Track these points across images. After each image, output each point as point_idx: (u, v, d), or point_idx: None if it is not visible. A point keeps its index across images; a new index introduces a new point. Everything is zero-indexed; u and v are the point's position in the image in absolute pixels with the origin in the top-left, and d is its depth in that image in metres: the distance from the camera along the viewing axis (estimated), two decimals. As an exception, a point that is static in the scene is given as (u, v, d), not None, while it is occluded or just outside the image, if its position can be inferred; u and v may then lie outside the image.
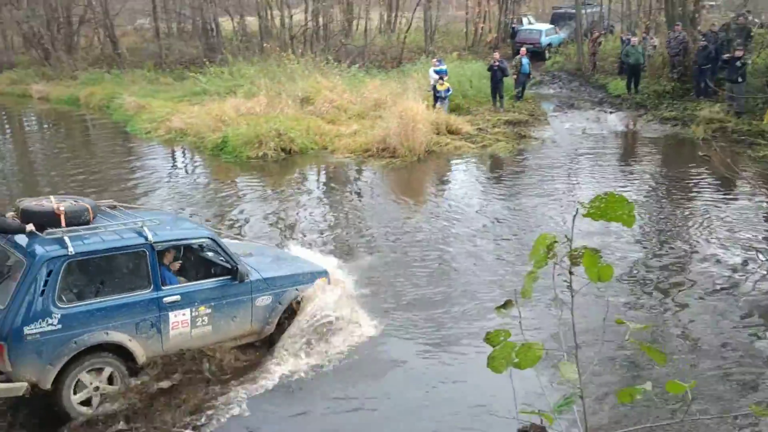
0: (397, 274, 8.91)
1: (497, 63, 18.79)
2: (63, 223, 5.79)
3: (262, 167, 14.69)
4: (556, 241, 1.57)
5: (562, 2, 34.79)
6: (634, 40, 20.71)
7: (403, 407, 6.11)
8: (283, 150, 15.34)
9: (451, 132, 16.71)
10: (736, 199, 11.55)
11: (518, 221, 10.91)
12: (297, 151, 15.49)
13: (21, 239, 5.81)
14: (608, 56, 24.30)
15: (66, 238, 5.64)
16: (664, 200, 11.87)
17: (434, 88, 18.15)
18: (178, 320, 6.16)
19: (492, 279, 8.75)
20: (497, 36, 31.04)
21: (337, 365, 6.60)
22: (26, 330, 5.42)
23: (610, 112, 19.46)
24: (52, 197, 6.13)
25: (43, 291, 5.47)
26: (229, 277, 6.48)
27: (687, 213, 11.07)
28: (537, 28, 29.24)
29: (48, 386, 5.58)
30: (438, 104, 17.93)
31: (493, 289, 8.32)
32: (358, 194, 13.11)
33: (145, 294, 6.00)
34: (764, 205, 11.03)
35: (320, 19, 28.19)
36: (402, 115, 15.39)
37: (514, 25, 30.18)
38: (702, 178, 12.95)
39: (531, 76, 21.49)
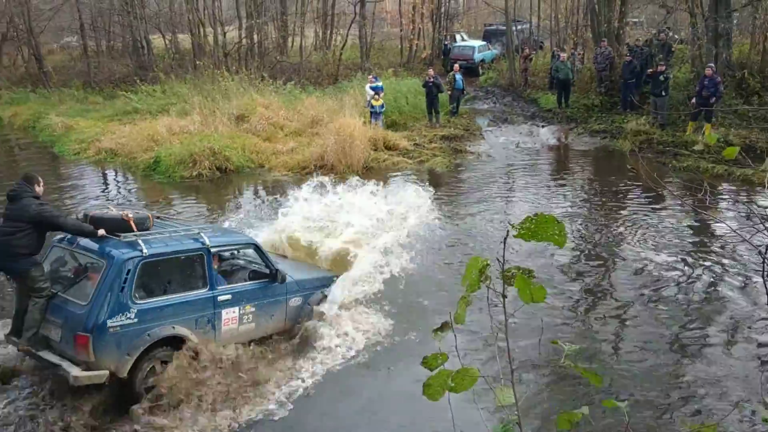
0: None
1: (432, 79, 19.02)
2: (135, 228, 6.44)
3: (197, 187, 14.40)
4: (488, 264, 1.55)
5: (494, 19, 35.61)
6: (563, 55, 21.36)
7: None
8: (218, 169, 15.08)
9: (388, 148, 16.80)
10: (664, 209, 11.96)
11: (457, 236, 10.97)
12: (233, 170, 15.27)
13: (91, 243, 6.44)
14: (539, 72, 24.99)
15: (140, 242, 6.31)
16: (596, 212, 12.19)
17: (370, 103, 18.25)
18: (229, 317, 6.85)
19: (437, 289, 8.75)
20: (432, 53, 31.50)
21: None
22: (109, 323, 5.98)
23: (542, 126, 19.95)
24: (111, 206, 6.99)
25: (122, 288, 6.07)
26: (267, 279, 7.21)
27: (618, 224, 11.38)
28: (470, 44, 29.85)
29: (125, 374, 6.13)
30: (373, 120, 18.05)
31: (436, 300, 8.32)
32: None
33: (203, 293, 6.67)
34: (687, 214, 11.43)
35: (255, 36, 27.99)
36: (339, 132, 15.38)
37: (446, 42, 30.69)
38: (631, 190, 13.38)
39: (465, 91, 21.85)
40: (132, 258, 6.16)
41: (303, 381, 6.63)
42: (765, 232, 2.53)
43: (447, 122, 19.71)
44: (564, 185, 14.23)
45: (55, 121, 20.39)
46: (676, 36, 22.66)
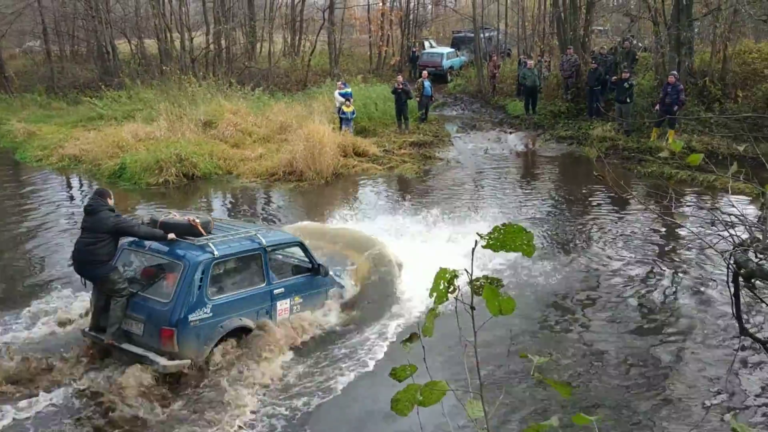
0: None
1: (401, 86, 19.07)
2: (203, 232, 7.13)
3: (164, 194, 14.20)
4: (456, 275, 1.53)
5: (462, 27, 35.86)
6: (530, 63, 21.59)
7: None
8: (185, 176, 14.91)
9: (358, 154, 16.79)
10: (630, 214, 12.14)
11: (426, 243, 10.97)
12: (200, 177, 15.10)
13: (163, 246, 7.11)
14: (507, 78, 25.21)
15: (211, 244, 7.01)
16: (563, 218, 12.32)
17: (340, 110, 18.23)
18: (282, 308, 7.60)
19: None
20: (401, 59, 31.59)
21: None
22: (190, 318, 6.66)
23: (510, 133, 20.13)
24: (173, 212, 7.52)
25: (199, 287, 6.76)
26: (311, 273, 7.96)
27: (585, 230, 11.51)
28: (438, 51, 29.99)
29: (202, 362, 6.78)
30: (344, 126, 18.04)
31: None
32: (266, 219, 12.87)
33: (262, 287, 7.41)
34: (654, 221, 11.60)
35: (222, 42, 27.76)
36: (308, 138, 15.32)
37: (414, 49, 30.83)
38: (598, 196, 13.55)
39: (434, 98, 21.96)
40: (205, 259, 6.86)
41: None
42: (729, 238, 2.56)
43: (416, 128, 19.78)
44: (532, 191, 14.37)
45: (17, 127, 19.95)
46: (640, 44, 23.06)
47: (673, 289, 8.99)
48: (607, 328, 7.92)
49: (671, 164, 14.65)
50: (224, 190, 14.93)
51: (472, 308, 1.51)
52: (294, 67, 29.07)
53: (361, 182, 15.28)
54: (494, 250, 1.54)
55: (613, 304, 8.54)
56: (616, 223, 11.75)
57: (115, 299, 6.90)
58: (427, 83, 20.47)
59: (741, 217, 2.78)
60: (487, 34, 30.45)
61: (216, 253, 6.93)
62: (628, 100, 17.76)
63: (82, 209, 7.37)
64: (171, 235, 7.03)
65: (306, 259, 8.06)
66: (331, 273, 8.29)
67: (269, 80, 25.93)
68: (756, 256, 2.50)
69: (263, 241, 7.45)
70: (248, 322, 7.17)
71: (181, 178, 14.81)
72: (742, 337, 3.48)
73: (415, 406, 1.54)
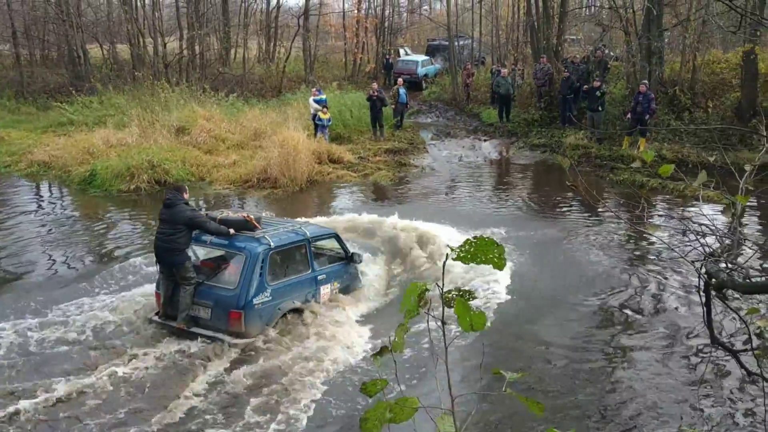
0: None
1: (376, 93, 19.07)
2: (258, 226, 8.05)
3: (135, 201, 14.00)
4: (427, 289, 1.50)
5: (437, 35, 36.04)
6: (504, 71, 21.75)
7: None
8: (157, 182, 14.71)
9: (332, 161, 16.73)
10: (602, 223, 12.23)
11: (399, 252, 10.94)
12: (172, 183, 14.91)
13: (223, 240, 7.99)
14: (481, 86, 25.38)
15: (267, 237, 7.91)
16: (535, 225, 12.36)
17: (316, 117, 18.17)
18: (324, 292, 8.51)
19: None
20: (376, 66, 31.64)
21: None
22: (254, 301, 7.57)
23: (484, 140, 20.24)
24: (227, 211, 8.54)
25: (260, 274, 7.64)
26: (346, 260, 8.94)
27: (557, 238, 11.57)
28: (413, 59, 30.10)
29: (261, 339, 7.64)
30: (319, 133, 17.98)
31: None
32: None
33: (308, 274, 8.35)
34: (626, 231, 11.71)
35: (196, 48, 27.55)
36: (283, 145, 15.23)
37: (388, 57, 30.91)
38: (570, 203, 13.66)
39: (409, 105, 22.01)
40: (264, 250, 7.74)
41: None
42: (701, 248, 2.57)
43: (391, 136, 19.79)
44: (506, 198, 14.42)
45: (-16, 132, 19.54)
46: (612, 53, 23.36)
47: (647, 298, 9.04)
48: (579, 342, 7.83)
49: (643, 172, 14.82)
50: (197, 197, 14.75)
51: (443, 323, 1.48)
52: (268, 73, 28.93)
53: (336, 189, 15.22)
54: (465, 263, 1.51)
55: (586, 313, 8.56)
56: (587, 231, 11.83)
57: (184, 287, 7.76)
58: (402, 90, 20.51)
59: (712, 227, 2.79)
60: (461, 43, 30.67)
61: (272, 244, 7.85)
62: (600, 109, 17.97)
63: (162, 204, 8.11)
64: (231, 230, 7.93)
65: (341, 249, 9.05)
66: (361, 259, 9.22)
67: (243, 86, 25.76)
68: (727, 266, 2.51)
69: (307, 233, 8.41)
70: (299, 304, 8.12)
71: (153, 184, 14.62)
72: (714, 346, 3.50)
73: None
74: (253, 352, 7.47)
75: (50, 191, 15.46)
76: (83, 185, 14.91)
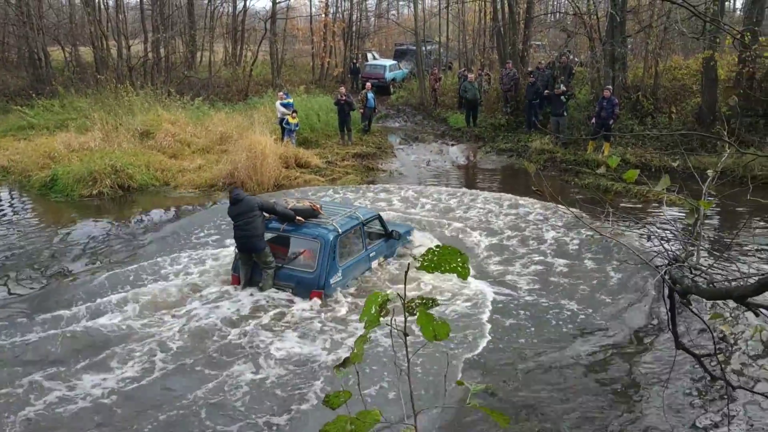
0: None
1: (344, 97, 19.01)
2: (323, 213, 9.17)
3: (98, 206, 13.71)
4: (388, 299, 1.46)
5: (404, 39, 36.16)
6: (471, 76, 21.87)
7: None
8: (120, 187, 14.44)
9: (300, 165, 16.62)
10: (567, 228, 12.31)
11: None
12: (135, 188, 14.66)
13: (295, 227, 8.97)
14: (448, 91, 25.49)
15: (334, 223, 8.91)
16: (500, 230, 12.40)
17: (283, 121, 18.04)
18: (375, 266, 9.68)
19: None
20: (344, 70, 31.59)
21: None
22: (331, 281, 8.68)
23: (452, 145, 20.31)
24: (289, 199, 9.41)
25: (333, 257, 8.70)
26: (386, 237, 10.03)
27: (521, 244, 11.63)
28: (381, 63, 30.13)
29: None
30: (286, 137, 17.86)
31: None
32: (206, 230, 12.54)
33: (364, 253, 9.48)
34: (591, 238, 11.80)
35: (161, 51, 27.17)
36: (250, 149, 15.08)
37: (355, 61, 30.90)
38: (536, 208, 13.73)
39: (377, 110, 21.99)
40: (334, 235, 8.73)
41: None
42: (665, 253, 2.57)
43: (359, 140, 19.74)
44: (473, 203, 14.45)
45: (-60, 136, 18.98)
46: (577, 59, 23.67)
47: (611, 303, 9.11)
48: (544, 349, 7.78)
49: (607, 177, 15.00)
50: (160, 202, 14.50)
51: (405, 334, 1.44)
52: (235, 76, 28.68)
53: (303, 194, 15.09)
54: (428, 272, 1.47)
55: (549, 324, 8.53)
56: (552, 234, 11.90)
57: (266, 272, 8.81)
58: (370, 95, 20.49)
59: (676, 232, 2.80)
60: (428, 47, 30.79)
61: (339, 230, 8.84)
62: (564, 114, 18.18)
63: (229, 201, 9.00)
64: (299, 218, 8.94)
65: (381, 228, 10.11)
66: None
67: (209, 90, 25.50)
68: (691, 272, 2.51)
69: (360, 216, 9.49)
70: (358, 280, 9.23)
71: (117, 189, 14.36)
72: (678, 350, 3.53)
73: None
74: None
75: (10, 196, 15.05)
76: (44, 190, 14.57)
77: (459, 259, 1.44)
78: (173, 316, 8.37)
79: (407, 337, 1.46)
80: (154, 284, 9.35)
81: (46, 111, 20.95)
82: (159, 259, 10.33)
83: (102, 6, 27.70)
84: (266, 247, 8.79)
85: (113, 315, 8.35)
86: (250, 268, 8.94)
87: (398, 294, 1.47)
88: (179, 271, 9.88)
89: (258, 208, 8.80)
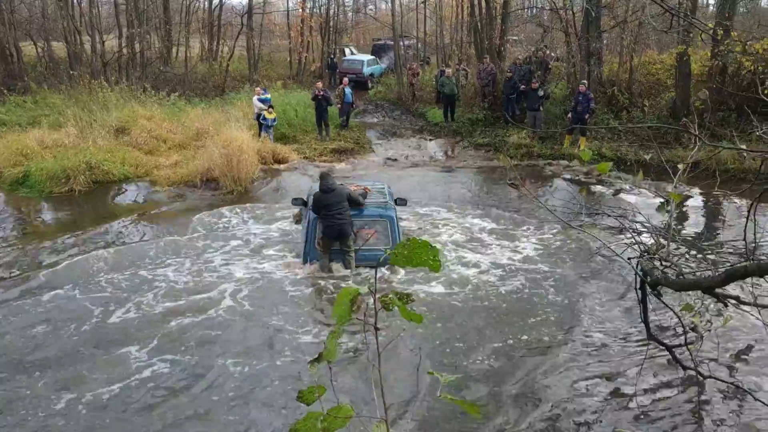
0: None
1: (321, 93, 18.95)
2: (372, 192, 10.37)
3: (70, 199, 13.57)
4: (359, 293, 1.46)
5: (382, 34, 36.11)
6: (449, 71, 21.92)
7: None
8: (94, 182, 14.29)
9: (278, 161, 16.55)
10: (544, 222, 12.41)
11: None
12: (109, 183, 14.52)
13: (364, 210, 9.80)
14: (426, 86, 25.52)
15: (390, 203, 10.12)
16: (477, 223, 12.48)
17: (260, 116, 17.94)
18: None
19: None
20: (321, 65, 31.48)
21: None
22: None
23: (430, 140, 20.35)
24: (349, 185, 10.33)
25: (398, 234, 9.68)
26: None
27: (497, 237, 11.71)
28: (359, 58, 30.06)
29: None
30: (264, 133, 17.77)
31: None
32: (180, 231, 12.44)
33: (397, 226, 9.92)
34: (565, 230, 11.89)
35: (136, 46, 26.83)
36: (227, 145, 14.97)
37: (332, 56, 30.81)
38: (512, 202, 13.83)
39: (355, 105, 21.94)
40: (396, 213, 9.89)
41: None
42: (636, 246, 2.61)
43: (337, 135, 19.69)
44: (451, 198, 14.51)
45: None
46: (553, 54, 23.83)
47: (583, 296, 9.20)
48: (517, 342, 7.81)
49: (584, 172, 15.14)
50: (137, 198, 14.36)
51: (377, 329, 1.44)
52: (212, 72, 28.44)
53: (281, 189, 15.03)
54: (400, 266, 1.48)
55: (523, 316, 8.56)
56: (528, 229, 11.99)
57: (348, 255, 9.54)
58: (348, 90, 20.44)
59: (647, 224, 2.84)
60: (406, 42, 30.79)
61: (396, 209, 10.02)
62: (540, 108, 18.31)
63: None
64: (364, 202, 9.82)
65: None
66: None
67: (185, 86, 25.23)
68: (661, 264, 2.55)
69: (386, 188, 10.77)
70: None
71: (91, 185, 14.23)
72: (650, 341, 3.57)
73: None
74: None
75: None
76: (14, 186, 14.36)
77: (430, 253, 1.45)
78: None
79: (378, 331, 1.47)
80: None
81: (18, 107, 20.58)
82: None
83: (75, 1, 27.30)
84: (352, 232, 9.59)
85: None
86: (330, 253, 9.59)
87: (369, 289, 1.47)
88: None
89: (348, 199, 9.48)
